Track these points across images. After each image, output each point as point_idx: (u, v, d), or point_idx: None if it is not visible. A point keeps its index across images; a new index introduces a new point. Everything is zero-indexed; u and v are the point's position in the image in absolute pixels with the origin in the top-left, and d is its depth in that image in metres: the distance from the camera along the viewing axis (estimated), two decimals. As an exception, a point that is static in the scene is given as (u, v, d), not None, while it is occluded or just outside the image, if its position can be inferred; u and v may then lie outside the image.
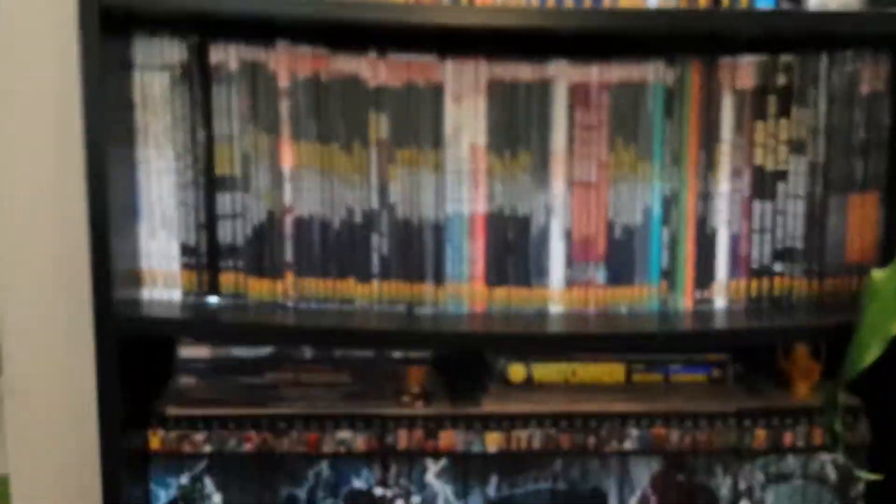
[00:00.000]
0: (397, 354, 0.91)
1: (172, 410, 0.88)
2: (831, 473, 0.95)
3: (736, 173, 0.93)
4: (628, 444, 0.93)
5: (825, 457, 0.95)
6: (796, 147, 0.93)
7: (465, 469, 0.92)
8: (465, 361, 0.99)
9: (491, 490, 0.92)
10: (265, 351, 0.90)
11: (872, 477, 0.81)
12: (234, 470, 0.89)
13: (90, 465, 0.86)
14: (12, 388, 1.03)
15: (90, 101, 0.79)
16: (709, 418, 0.93)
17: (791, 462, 0.94)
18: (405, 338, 0.86)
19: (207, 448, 0.88)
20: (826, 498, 0.95)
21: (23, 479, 1.04)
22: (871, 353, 0.76)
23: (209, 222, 0.89)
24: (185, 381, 0.89)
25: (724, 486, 0.94)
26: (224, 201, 0.89)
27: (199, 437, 0.88)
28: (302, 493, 0.90)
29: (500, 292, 0.92)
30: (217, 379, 0.89)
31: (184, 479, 0.89)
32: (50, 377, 1.02)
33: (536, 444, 0.92)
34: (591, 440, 0.92)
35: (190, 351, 0.88)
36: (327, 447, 0.90)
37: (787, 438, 0.94)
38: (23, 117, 0.99)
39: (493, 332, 0.86)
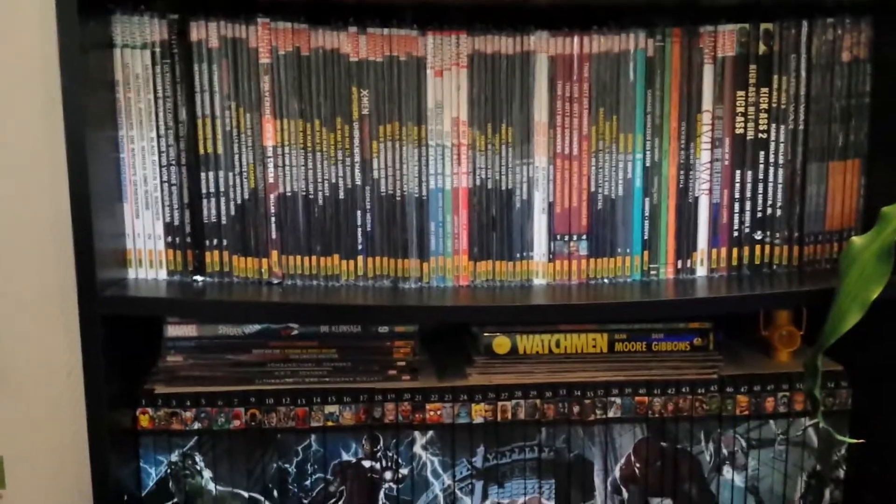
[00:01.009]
0: (383, 329, 0.92)
1: (160, 389, 0.89)
2: (813, 438, 0.97)
3: (717, 143, 0.94)
4: (612, 413, 0.94)
5: (807, 422, 0.96)
6: (777, 115, 0.94)
7: (451, 440, 0.93)
8: (451, 335, 1.00)
9: (477, 460, 0.94)
10: (252, 328, 0.90)
11: (852, 441, 0.82)
12: (223, 446, 0.90)
13: (81, 446, 0.86)
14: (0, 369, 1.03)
15: (70, 80, 0.78)
16: (691, 385, 0.94)
17: (773, 427, 0.96)
18: (391, 312, 0.86)
19: (196, 425, 0.89)
20: (808, 462, 0.97)
21: (15, 460, 1.05)
22: (851, 319, 0.77)
23: (193, 201, 0.89)
24: (173, 359, 0.89)
25: (706, 452, 0.96)
26: (208, 180, 0.89)
27: (188, 414, 0.89)
28: (291, 468, 0.91)
29: (484, 266, 0.92)
30: (204, 357, 0.89)
31: (174, 457, 0.90)
32: (38, 359, 1.03)
33: (522, 414, 0.93)
34: (576, 409, 0.93)
35: (177, 330, 0.89)
36: (316, 421, 0.90)
37: (769, 404, 0.95)
38: (5, 98, 0.98)
39: (478, 305, 0.87)
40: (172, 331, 0.88)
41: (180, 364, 0.89)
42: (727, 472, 0.96)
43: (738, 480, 0.97)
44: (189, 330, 0.88)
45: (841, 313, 0.78)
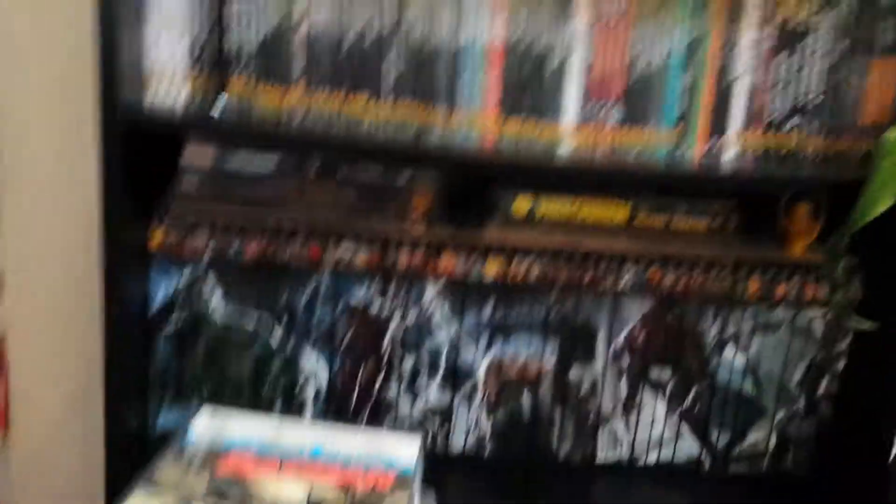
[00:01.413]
0: (403, 180, 0.91)
1: (175, 211, 0.88)
2: (818, 328, 0.98)
3: (762, 23, 0.91)
4: (623, 284, 0.94)
5: (813, 312, 0.97)
6: (826, 2, 0.90)
7: (462, 293, 0.93)
8: (471, 193, 0.99)
9: (486, 314, 0.94)
10: (270, 164, 0.89)
11: (867, 325, 0.83)
12: (233, 275, 0.90)
13: (91, 260, 0.86)
14: (6, 179, 1.02)
15: None
16: (705, 264, 0.94)
17: (780, 314, 0.97)
18: (413, 155, 0.85)
19: (208, 252, 0.89)
20: (809, 351, 0.99)
21: (19, 273, 1.05)
22: (881, 206, 0.77)
23: (219, 25, 0.86)
24: (189, 186, 0.88)
25: (711, 331, 0.97)
26: (235, 4, 0.85)
27: (201, 240, 0.88)
28: (301, 302, 0.92)
29: (512, 124, 0.90)
30: (220, 188, 0.88)
31: (183, 281, 0.90)
32: (52, 174, 1.01)
33: (534, 276, 0.93)
34: (588, 276, 0.94)
35: (194, 157, 0.87)
36: (329, 260, 0.90)
37: (780, 291, 0.96)
38: None
39: (502, 157, 0.85)
40: (190, 156, 0.86)
41: (196, 192, 0.88)
42: (729, 352, 0.98)
43: (739, 361, 0.98)
44: (206, 159, 0.87)
45: (872, 199, 0.78)
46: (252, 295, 0.91)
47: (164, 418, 0.95)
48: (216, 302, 0.91)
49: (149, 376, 0.93)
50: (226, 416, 0.71)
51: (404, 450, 0.69)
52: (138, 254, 0.88)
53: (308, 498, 0.61)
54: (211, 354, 0.93)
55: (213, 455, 0.65)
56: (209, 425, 0.69)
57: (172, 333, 0.92)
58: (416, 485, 0.66)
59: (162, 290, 0.90)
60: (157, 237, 0.88)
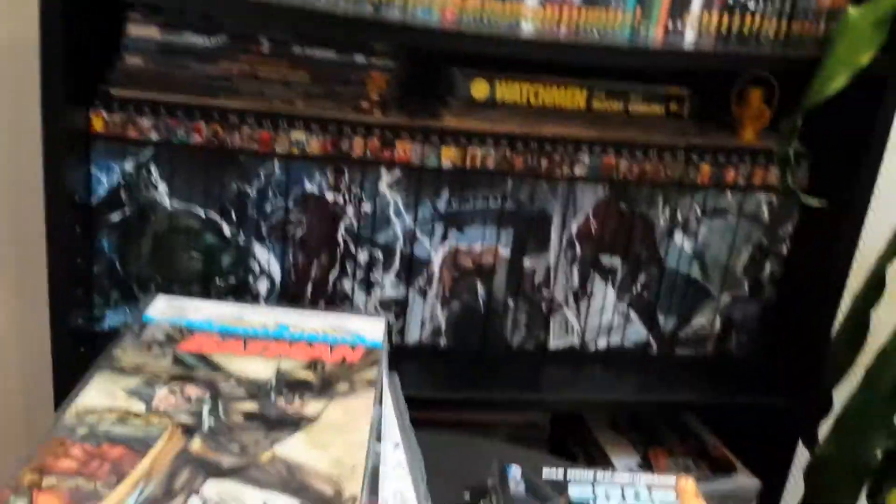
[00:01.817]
0: (360, 59, 0.87)
1: (118, 92, 0.83)
2: (765, 213, 1.00)
3: None
4: (579, 170, 0.94)
5: (762, 196, 0.99)
6: None
7: (417, 181, 0.92)
8: (428, 76, 0.96)
9: (441, 204, 0.93)
10: (220, 39, 0.84)
11: (816, 202, 0.85)
12: (181, 160, 0.86)
13: (33, 147, 0.81)
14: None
15: None
16: (659, 149, 0.94)
17: (729, 199, 0.98)
18: (372, 29, 0.81)
19: (154, 135, 0.84)
20: (756, 235, 1.01)
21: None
22: (837, 83, 0.78)
23: None
24: (133, 62, 0.83)
25: (662, 217, 0.98)
26: None
27: (146, 122, 0.84)
28: (252, 192, 0.89)
29: (473, 1, 0.87)
30: (167, 63, 0.83)
31: (128, 166, 0.85)
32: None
33: (490, 163, 0.92)
34: (544, 164, 0.93)
35: (140, 29, 0.82)
36: (280, 147, 0.87)
37: (730, 176, 0.97)
38: None
39: (463, 34, 0.83)
40: (134, 29, 0.81)
41: (141, 68, 0.83)
42: (678, 237, 0.99)
43: (687, 247, 1.00)
44: (153, 31, 0.82)
45: (828, 77, 0.78)
46: (200, 185, 0.88)
47: (112, 318, 0.92)
48: (162, 192, 0.87)
49: (94, 271, 0.90)
50: (182, 301, 0.69)
51: (370, 329, 0.68)
52: (79, 139, 0.83)
53: (276, 374, 0.59)
54: (158, 248, 0.90)
55: (174, 337, 0.63)
56: (166, 311, 0.67)
57: (117, 225, 0.88)
58: (384, 360, 0.65)
59: (105, 179, 0.86)
60: (99, 121, 0.83)
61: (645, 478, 0.74)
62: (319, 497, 0.47)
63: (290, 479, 0.49)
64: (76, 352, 0.87)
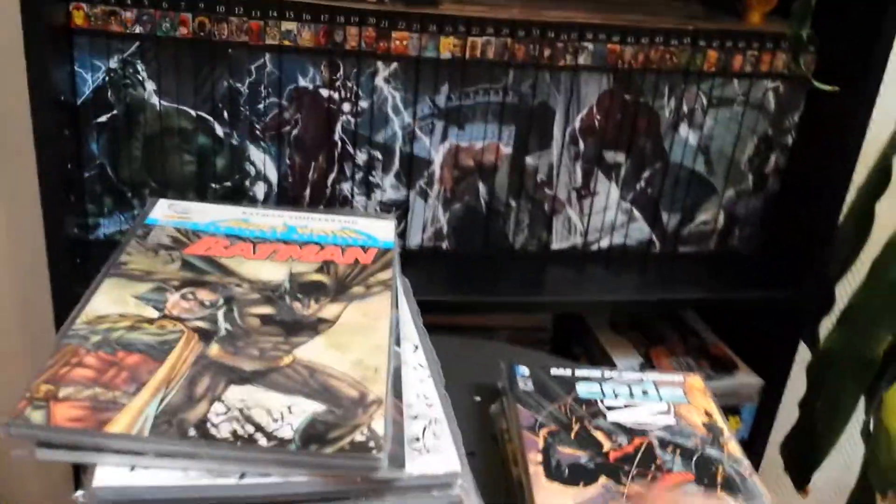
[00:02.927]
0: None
1: (96, -16, 0.78)
2: (771, 102, 0.97)
3: None
4: (583, 59, 0.90)
5: (768, 84, 0.96)
6: None
7: (416, 74, 0.88)
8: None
9: (441, 99, 0.90)
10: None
11: (828, 87, 0.83)
12: (168, 55, 0.81)
13: (15, 47, 0.76)
14: None
15: None
16: (665, 35, 0.91)
17: (735, 87, 0.95)
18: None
19: (138, 29, 0.79)
20: (761, 125, 0.98)
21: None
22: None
23: None
24: (110, -50, 0.77)
25: (667, 109, 0.95)
26: None
27: (128, 15, 0.78)
28: (243, 88, 0.85)
29: None
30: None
31: (112, 63, 0.81)
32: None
33: (491, 53, 0.88)
34: (546, 53, 0.89)
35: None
36: (271, 39, 0.83)
37: (737, 62, 0.94)
38: None
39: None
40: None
41: (119, -42, 0.78)
42: (683, 129, 0.97)
43: (693, 139, 0.98)
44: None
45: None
46: (189, 82, 0.83)
47: (107, 227, 0.89)
48: (150, 90, 0.83)
49: (85, 177, 0.86)
50: (185, 205, 0.66)
51: (380, 230, 0.66)
52: (60, 35, 0.78)
53: (289, 277, 0.58)
54: (149, 150, 0.86)
55: (181, 241, 0.60)
56: (169, 214, 0.64)
57: (105, 127, 0.84)
58: (397, 262, 0.64)
59: (90, 77, 0.81)
60: (79, 14, 0.78)
61: (652, 375, 0.74)
62: (344, 400, 0.46)
63: (313, 382, 0.47)
64: (72, 262, 0.84)
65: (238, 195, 0.90)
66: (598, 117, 0.95)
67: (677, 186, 1.00)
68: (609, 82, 0.93)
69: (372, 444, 0.43)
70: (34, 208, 0.80)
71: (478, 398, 0.75)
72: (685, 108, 0.96)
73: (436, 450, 0.46)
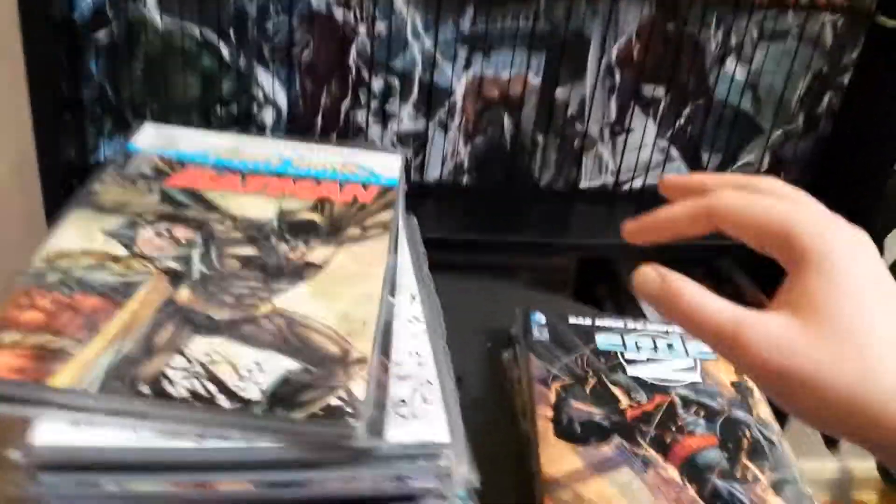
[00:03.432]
0: None
1: None
2: (828, 37, 0.88)
3: None
4: (622, -16, 0.83)
5: (825, 17, 0.87)
6: None
7: (438, -4, 0.81)
8: None
9: (465, 23, 0.82)
10: None
11: (892, 24, 0.74)
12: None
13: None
14: None
15: None
16: (717, -40, 0.83)
17: (790, 20, 0.87)
18: None
19: (136, -61, 0.74)
20: (816, 62, 0.90)
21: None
22: None
23: None
24: None
25: (714, 41, 0.87)
26: None
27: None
28: (252, 8, 0.78)
29: None
30: None
31: (109, -23, 0.75)
32: None
33: (521, -26, 0.81)
34: (583, -24, 0.82)
35: None
36: (281, -47, 0.76)
37: (794, -8, 0.85)
38: None
39: None
40: None
41: None
42: (730, 64, 0.88)
43: (740, 74, 0.89)
44: None
45: None
46: (196, 3, 0.78)
47: (107, 150, 0.84)
48: (151, 7, 0.77)
49: (83, 98, 0.81)
50: (173, 130, 0.61)
51: (384, 166, 0.60)
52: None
53: (278, 214, 0.52)
54: (151, 71, 0.81)
55: (163, 170, 0.55)
56: (154, 141, 0.59)
57: (105, 46, 0.79)
58: (401, 201, 0.58)
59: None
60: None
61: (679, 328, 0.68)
62: (323, 357, 0.41)
63: (290, 336, 0.43)
64: (69, 186, 0.80)
65: (245, 121, 0.84)
66: (638, 48, 0.87)
67: (720, 125, 0.92)
68: (651, 10, 0.84)
69: (349, 409, 0.39)
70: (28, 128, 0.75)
71: (489, 344, 0.70)
72: (733, 41, 0.87)
73: (423, 416, 0.42)
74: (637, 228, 0.42)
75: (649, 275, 0.37)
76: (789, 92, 0.91)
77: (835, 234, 0.35)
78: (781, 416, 0.62)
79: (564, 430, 0.59)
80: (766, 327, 0.34)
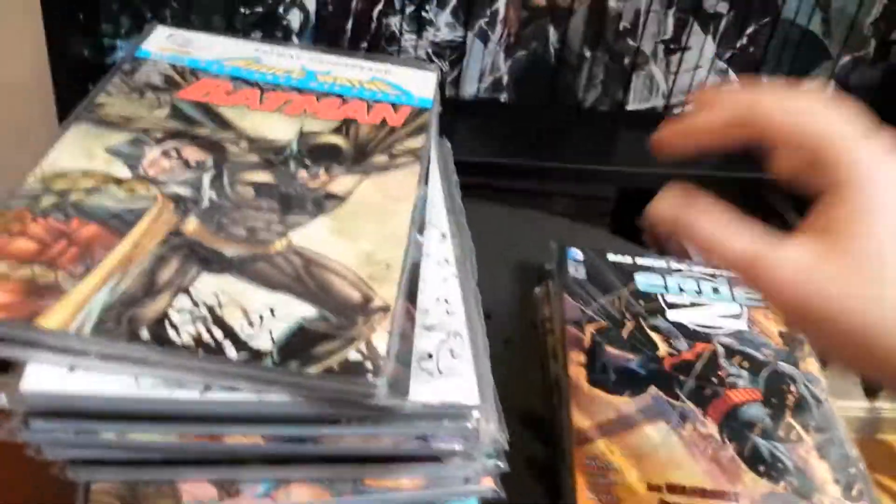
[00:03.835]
0: None
1: None
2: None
3: None
4: None
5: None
6: None
7: None
8: None
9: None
10: None
11: None
12: None
13: None
14: None
15: None
16: None
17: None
18: None
19: None
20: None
21: None
22: None
23: None
24: None
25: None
26: None
27: None
28: None
29: None
30: None
31: None
32: None
33: None
34: None
35: None
36: None
37: None
38: None
39: None
40: None
41: None
42: (803, -19, 0.81)
43: (812, -8, 0.82)
44: None
45: None
46: None
47: (123, 51, 0.79)
48: None
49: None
50: (187, 35, 0.55)
51: (417, 84, 0.54)
52: None
53: (298, 136, 0.47)
54: (168, -35, 0.75)
55: (175, 81, 0.50)
56: (166, 46, 0.54)
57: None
58: (434, 126, 0.53)
59: None
60: None
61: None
62: (342, 304, 0.37)
63: (307, 277, 0.38)
64: (83, 87, 0.75)
65: (271, 23, 0.79)
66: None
67: (785, 47, 0.85)
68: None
69: (369, 364, 0.35)
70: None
71: (520, 282, 0.66)
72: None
73: (451, 372, 0.38)
74: (666, 137, 0.37)
75: (670, 197, 0.34)
76: (862, 15, 0.83)
77: (872, 154, 0.32)
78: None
79: (598, 378, 0.55)
80: (786, 254, 0.31)
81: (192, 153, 0.44)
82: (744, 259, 0.32)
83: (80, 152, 0.43)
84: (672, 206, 0.34)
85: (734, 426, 0.53)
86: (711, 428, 0.53)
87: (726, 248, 0.33)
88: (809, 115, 0.34)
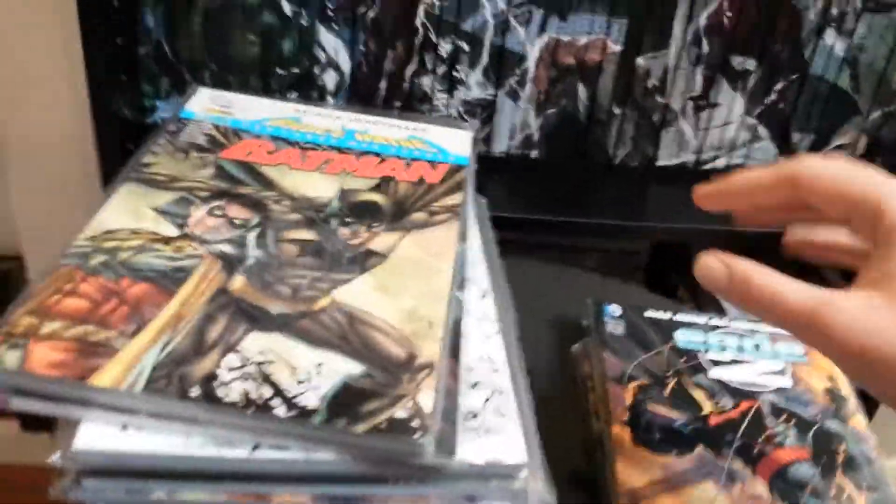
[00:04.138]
0: None
1: None
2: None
3: None
4: (717, -54, 0.76)
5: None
6: None
7: (515, -45, 0.75)
8: None
9: (543, -15, 0.77)
10: None
11: None
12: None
13: None
14: None
15: None
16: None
17: (901, -10, 0.79)
18: None
19: None
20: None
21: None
22: None
23: None
24: None
25: (812, 10, 0.80)
26: None
27: None
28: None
29: None
30: None
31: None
32: None
33: (606, -67, 0.75)
34: (674, -64, 0.75)
35: None
36: None
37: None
38: None
39: None
40: None
41: None
42: (829, 36, 0.81)
43: (839, 48, 0.82)
44: None
45: None
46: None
47: (164, 110, 0.81)
48: (209, -42, 0.73)
49: (138, 56, 0.78)
50: (230, 98, 0.57)
51: (453, 142, 0.55)
52: None
53: (339, 194, 0.48)
54: (210, 27, 0.77)
55: (219, 141, 0.51)
56: (209, 107, 0.55)
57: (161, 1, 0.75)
58: (471, 183, 0.53)
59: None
60: None
61: (767, 327, 0.62)
62: (386, 361, 0.37)
63: (352, 334, 0.39)
64: (125, 147, 0.77)
65: (306, 84, 0.80)
66: (729, 14, 0.80)
67: (814, 102, 0.85)
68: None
69: (416, 422, 0.35)
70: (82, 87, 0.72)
71: (557, 338, 0.65)
72: (834, 11, 0.80)
73: (497, 430, 0.37)
74: (711, 192, 0.38)
75: (712, 263, 0.35)
76: (891, 70, 0.84)
77: None
78: (868, 406, 0.57)
79: (642, 437, 0.54)
80: (847, 306, 0.32)
81: (237, 212, 0.45)
82: (805, 311, 0.33)
83: (128, 211, 0.44)
84: (723, 262, 0.35)
85: (784, 486, 0.52)
86: (761, 488, 0.51)
87: (788, 301, 0.33)
88: (853, 172, 0.35)
